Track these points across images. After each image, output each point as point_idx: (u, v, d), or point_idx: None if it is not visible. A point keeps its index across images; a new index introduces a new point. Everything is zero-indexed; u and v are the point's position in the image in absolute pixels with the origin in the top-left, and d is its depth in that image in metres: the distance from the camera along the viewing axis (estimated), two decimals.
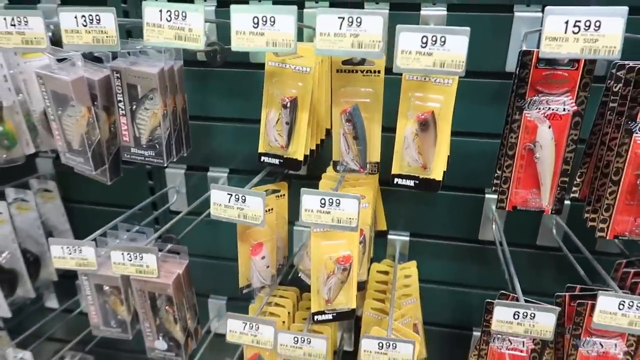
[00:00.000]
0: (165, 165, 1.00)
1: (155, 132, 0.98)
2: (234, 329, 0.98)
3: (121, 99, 0.94)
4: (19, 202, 1.37)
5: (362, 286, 1.08)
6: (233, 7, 0.73)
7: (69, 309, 1.65)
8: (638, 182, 0.76)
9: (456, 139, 1.11)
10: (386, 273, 1.27)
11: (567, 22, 0.65)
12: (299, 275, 1.07)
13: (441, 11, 1.07)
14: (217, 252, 1.45)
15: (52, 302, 1.69)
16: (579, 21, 0.65)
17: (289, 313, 1.11)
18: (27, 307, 1.66)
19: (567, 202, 1.17)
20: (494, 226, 1.23)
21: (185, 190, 1.39)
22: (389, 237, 1.32)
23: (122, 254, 0.95)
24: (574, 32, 0.65)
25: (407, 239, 1.31)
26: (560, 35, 0.66)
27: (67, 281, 1.63)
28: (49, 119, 0.99)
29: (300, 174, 1.28)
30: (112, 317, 1.15)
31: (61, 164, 1.44)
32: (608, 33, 0.64)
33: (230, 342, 1.00)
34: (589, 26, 0.65)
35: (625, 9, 0.64)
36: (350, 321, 1.42)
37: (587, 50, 0.66)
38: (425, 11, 1.08)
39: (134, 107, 0.95)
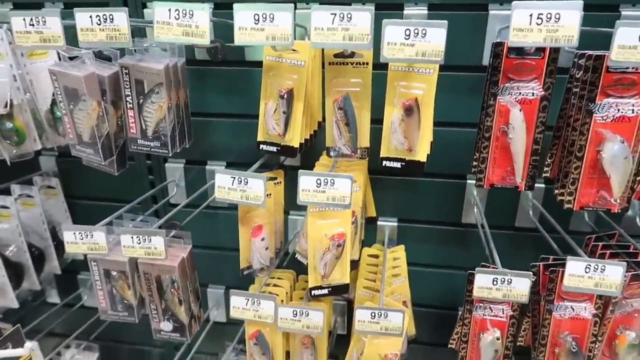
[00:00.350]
0: (170, 154, 1.08)
1: (161, 125, 1.05)
2: (237, 305, 1.06)
3: (129, 93, 1.02)
4: (24, 198, 1.42)
5: (354, 265, 1.16)
6: (236, 5, 0.81)
7: (70, 303, 1.70)
8: (598, 157, 0.86)
9: (439, 128, 1.20)
10: (376, 257, 1.35)
11: (531, 15, 0.75)
12: (296, 256, 1.14)
13: (422, 10, 1.17)
14: (215, 243, 1.52)
15: (53, 298, 1.74)
16: (542, 14, 0.74)
17: (286, 293, 1.19)
18: (29, 302, 1.71)
19: (542, 185, 1.27)
20: (475, 210, 1.32)
21: (184, 184, 1.46)
22: (379, 223, 1.40)
23: (132, 237, 1.02)
24: (537, 24, 0.75)
25: (395, 224, 1.40)
26: (526, 27, 0.75)
27: (69, 276, 1.68)
28: (61, 113, 1.06)
29: (294, 165, 1.36)
30: (119, 301, 1.21)
31: (64, 162, 1.51)
32: (567, 24, 0.74)
33: (234, 318, 1.07)
34: (550, 18, 0.74)
35: (580, 3, 0.73)
36: (344, 306, 1.50)
37: (549, 39, 0.75)
38: (408, 10, 1.17)
39: (141, 101, 1.03)
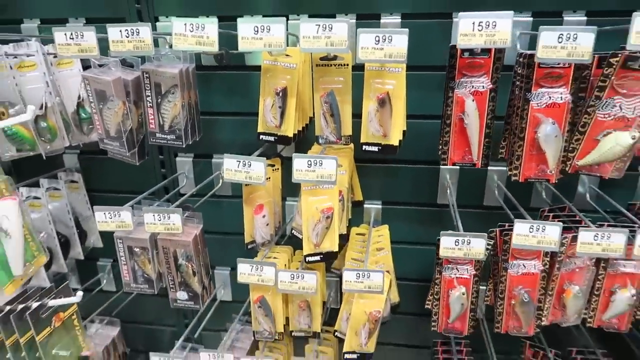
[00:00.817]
0: (184, 146, 1.27)
1: (175, 120, 1.24)
2: (244, 271, 1.25)
3: (149, 94, 1.21)
4: (52, 191, 1.61)
5: (343, 239, 1.35)
6: (239, 19, 1.01)
7: (89, 288, 1.88)
8: (535, 137, 1.05)
9: (415, 121, 1.40)
10: (364, 234, 1.54)
11: (474, 23, 0.94)
12: (293, 232, 1.33)
13: (397, 19, 1.36)
14: (221, 228, 1.71)
15: (74, 283, 1.92)
16: (482, 22, 0.94)
17: (284, 265, 1.37)
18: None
19: (504, 168, 1.46)
20: (448, 192, 1.51)
21: (192, 176, 1.65)
22: (365, 206, 1.59)
23: (153, 215, 1.21)
24: (479, 30, 0.94)
25: (380, 207, 1.59)
26: (470, 32, 0.95)
27: (89, 263, 1.87)
28: (91, 112, 1.25)
29: (288, 156, 1.55)
30: (140, 275, 1.39)
31: (85, 159, 1.70)
32: (501, 29, 0.93)
33: (241, 283, 1.26)
34: (489, 25, 0.94)
35: (511, 13, 0.93)
36: (337, 282, 1.68)
37: (488, 42, 0.94)
38: (384, 19, 1.37)
39: (159, 100, 1.22)
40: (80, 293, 1.11)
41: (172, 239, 1.29)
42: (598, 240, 1.06)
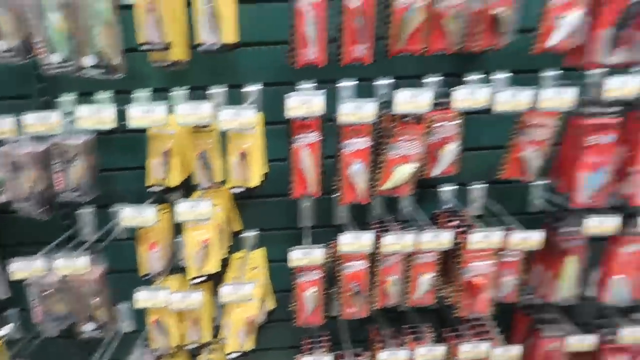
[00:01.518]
0: (87, 200, 1.56)
1: (80, 180, 1.55)
2: (141, 297, 1.55)
3: (57, 161, 1.51)
4: None
5: (224, 262, 1.71)
6: (130, 105, 1.36)
7: None
8: (348, 173, 1.52)
9: (277, 163, 1.80)
10: (243, 258, 1.91)
11: (299, 100, 1.38)
12: (181, 261, 1.67)
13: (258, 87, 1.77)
14: (121, 267, 1.97)
15: None
16: (304, 99, 1.39)
17: (177, 289, 1.70)
18: None
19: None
20: (304, 218, 1.94)
21: (94, 224, 1.91)
22: (244, 235, 1.95)
23: (63, 260, 1.49)
24: (302, 104, 1.39)
25: (256, 233, 1.96)
26: (296, 106, 1.39)
27: None
28: (5, 180, 1.51)
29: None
30: (51, 315, 1.63)
31: None
32: (316, 104, 1.39)
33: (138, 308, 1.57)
34: (308, 102, 1.39)
35: (320, 92, 1.38)
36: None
37: (308, 112, 1.39)
38: (246, 89, 1.77)
39: (65, 165, 1.52)
40: (11, 324, 1.35)
41: (81, 279, 1.57)
42: (397, 241, 1.55)
